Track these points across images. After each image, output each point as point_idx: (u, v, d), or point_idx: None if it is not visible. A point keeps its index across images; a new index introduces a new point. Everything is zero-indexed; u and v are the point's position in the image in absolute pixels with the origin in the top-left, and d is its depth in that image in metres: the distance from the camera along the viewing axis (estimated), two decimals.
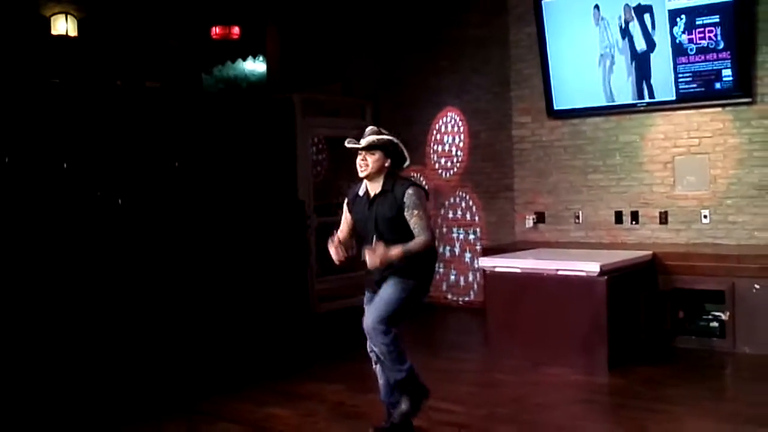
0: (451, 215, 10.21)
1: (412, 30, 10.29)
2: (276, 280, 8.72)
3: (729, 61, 7.46)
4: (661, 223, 8.15)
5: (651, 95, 8.03)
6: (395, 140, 4.79)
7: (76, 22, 9.14)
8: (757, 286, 6.93)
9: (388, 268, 4.71)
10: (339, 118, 10.46)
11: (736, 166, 7.73)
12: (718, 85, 7.59)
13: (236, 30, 9.64)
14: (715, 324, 7.20)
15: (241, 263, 8.31)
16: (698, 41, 7.60)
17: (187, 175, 7.94)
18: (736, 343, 7.06)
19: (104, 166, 7.23)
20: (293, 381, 6.63)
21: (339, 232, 5.02)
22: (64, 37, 8.91)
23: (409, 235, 4.69)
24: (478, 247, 9.79)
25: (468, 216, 10.05)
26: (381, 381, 5.04)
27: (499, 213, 9.67)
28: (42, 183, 6.73)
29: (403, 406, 4.81)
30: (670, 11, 7.69)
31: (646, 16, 7.88)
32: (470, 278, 10.02)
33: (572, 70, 8.49)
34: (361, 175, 4.77)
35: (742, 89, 7.49)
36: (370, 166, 4.73)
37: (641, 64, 8.02)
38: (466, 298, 10.03)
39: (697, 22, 7.56)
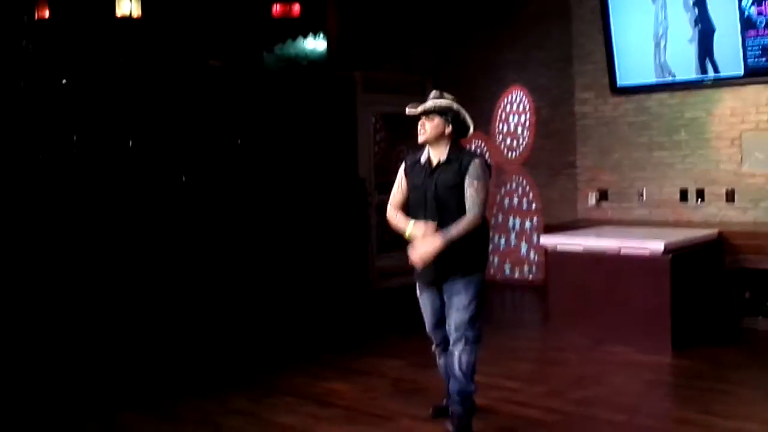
0: (513, 191, 10.13)
1: (472, 5, 10.18)
2: (337, 257, 8.81)
3: None
4: (727, 201, 7.96)
5: (717, 70, 7.82)
6: (455, 106, 4.55)
7: (140, 2, 9.25)
8: None
9: (444, 265, 4.46)
10: (399, 96, 10.39)
11: None
12: None
13: (296, 8, 9.66)
14: None
15: (303, 240, 8.41)
16: None
17: (249, 153, 8.03)
18: None
19: (168, 145, 7.36)
20: (353, 356, 6.67)
21: (392, 199, 4.79)
22: (128, 18, 9.03)
23: (461, 206, 4.46)
24: (535, 223, 9.70)
25: (530, 196, 9.95)
26: (443, 373, 4.94)
27: (561, 191, 9.54)
28: (108, 161, 6.87)
29: (456, 420, 4.61)
30: None
31: None
32: (531, 256, 9.93)
33: (637, 45, 8.31)
34: (420, 140, 4.57)
35: None
36: (428, 131, 4.50)
37: (708, 39, 7.81)
38: (529, 276, 9.94)
39: None
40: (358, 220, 9.28)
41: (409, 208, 4.70)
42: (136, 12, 9.11)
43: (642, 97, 8.52)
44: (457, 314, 4.53)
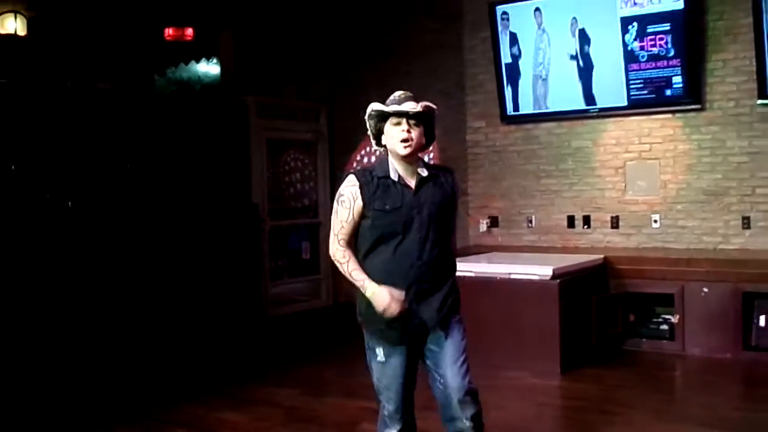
0: None
1: (368, 34, 10.25)
2: (229, 284, 8.67)
3: (679, 68, 7.57)
4: (612, 227, 8.24)
5: (603, 101, 8.12)
6: (436, 109, 3.68)
7: (25, 21, 8.96)
8: (705, 290, 7.04)
9: (437, 301, 3.61)
10: (294, 122, 10.40)
11: (685, 171, 7.84)
12: (668, 92, 7.70)
13: (189, 31, 9.54)
14: (665, 327, 7.31)
15: (194, 267, 8.24)
16: (649, 48, 7.70)
17: (139, 178, 7.84)
18: (686, 346, 7.16)
19: (54, 169, 7.10)
20: (246, 385, 6.56)
21: (339, 230, 3.59)
22: (13, 36, 8.73)
23: (447, 233, 3.69)
24: None
25: None
26: None
27: None
28: None
29: None
30: (622, 18, 7.77)
31: (599, 23, 7.96)
32: None
33: (525, 76, 8.53)
34: (406, 152, 3.48)
35: (692, 96, 7.61)
36: (415, 140, 3.50)
37: (594, 71, 8.11)
38: None
39: (648, 30, 7.66)
40: (251, 246, 9.17)
41: (373, 240, 3.57)
42: (22, 30, 8.82)
43: (531, 126, 8.74)
44: (458, 364, 3.65)
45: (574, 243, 8.47)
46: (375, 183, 3.55)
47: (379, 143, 3.64)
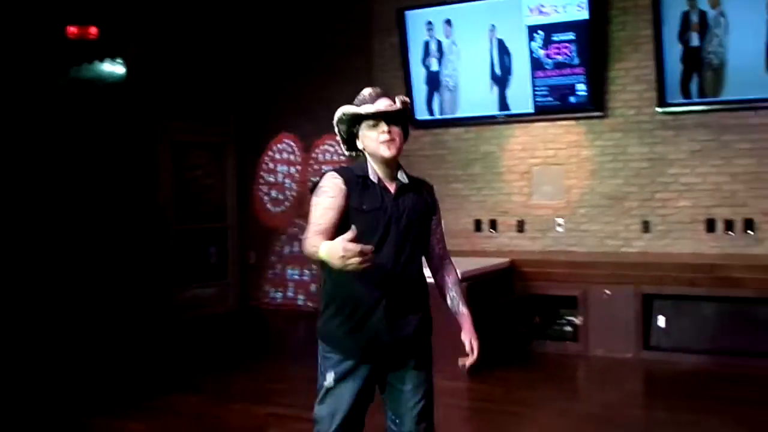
0: None
1: (277, 36, 10.15)
2: (135, 289, 8.46)
3: (583, 76, 7.76)
4: (518, 231, 8.37)
5: (510, 107, 8.25)
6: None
7: None
8: (607, 292, 7.22)
9: (413, 324, 3.26)
10: (201, 125, 10.22)
11: (588, 176, 8.04)
12: (572, 99, 7.87)
13: (93, 30, 9.26)
14: (569, 328, 7.46)
15: (98, 271, 8.03)
16: (554, 56, 7.86)
17: (41, 178, 7.58)
18: (589, 346, 7.32)
19: None
20: (151, 393, 6.36)
21: (315, 226, 2.98)
22: None
23: (423, 248, 3.36)
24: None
25: None
26: None
27: None
28: None
29: None
30: (528, 26, 7.92)
31: (506, 31, 8.09)
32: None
33: (434, 81, 8.60)
34: (390, 154, 3.09)
35: (595, 103, 7.80)
36: (398, 140, 3.12)
37: (501, 77, 8.23)
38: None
39: (554, 38, 7.82)
40: (157, 250, 8.98)
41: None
42: None
43: (439, 131, 8.81)
44: (418, 408, 3.29)
45: (482, 247, 8.57)
46: (354, 180, 3.13)
47: (351, 148, 3.23)
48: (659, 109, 7.58)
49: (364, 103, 3.14)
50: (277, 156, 10.25)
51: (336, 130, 3.24)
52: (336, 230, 2.95)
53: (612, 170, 7.93)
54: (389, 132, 3.08)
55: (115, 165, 8.50)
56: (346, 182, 3.09)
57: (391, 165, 3.17)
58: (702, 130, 7.51)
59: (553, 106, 7.99)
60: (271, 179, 10.34)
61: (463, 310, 3.43)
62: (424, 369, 3.33)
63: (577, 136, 8.09)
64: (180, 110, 9.73)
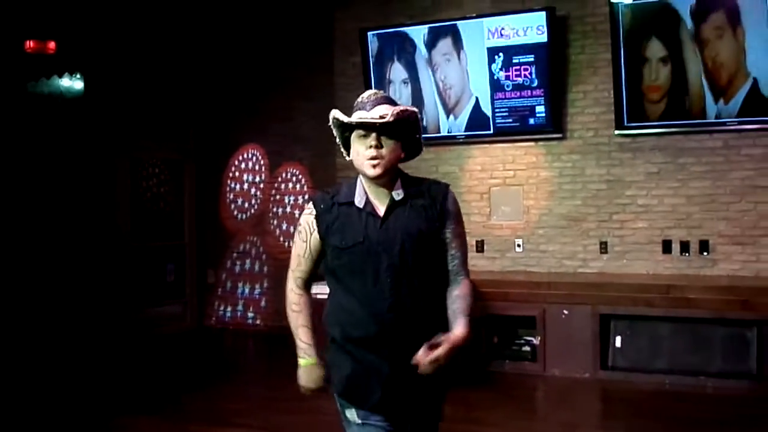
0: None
1: (240, 54, 10.12)
2: (89, 307, 8.32)
3: (542, 98, 7.83)
4: (477, 251, 8.37)
5: (469, 128, 8.30)
6: (418, 113, 2.84)
7: None
8: (565, 312, 7.25)
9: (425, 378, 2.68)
10: (161, 142, 10.11)
11: (547, 197, 8.10)
12: (531, 121, 7.94)
13: (52, 45, 9.13)
14: (527, 348, 7.48)
15: (51, 289, 7.88)
16: (514, 78, 7.93)
17: None
18: (547, 366, 7.34)
19: None
20: (107, 414, 6.21)
21: (295, 267, 2.90)
22: None
23: (438, 272, 2.79)
24: None
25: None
26: None
27: None
28: None
29: None
30: (488, 49, 7.98)
31: (467, 52, 8.15)
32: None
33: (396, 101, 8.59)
34: (374, 173, 2.69)
35: (554, 125, 7.87)
36: (386, 157, 2.69)
37: (461, 98, 8.28)
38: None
39: (514, 61, 7.89)
40: (114, 269, 8.85)
41: (336, 278, 2.84)
42: None
43: None
44: None
45: None
46: (335, 211, 2.76)
47: (350, 153, 2.84)
48: (617, 132, 7.67)
49: (361, 108, 2.75)
50: (242, 165, 10.23)
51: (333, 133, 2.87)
52: (315, 269, 2.86)
53: (570, 191, 8.00)
54: (377, 147, 2.66)
55: (72, 181, 8.37)
56: (319, 216, 2.77)
57: (383, 183, 2.75)
58: (659, 153, 7.62)
59: (513, 127, 8.04)
60: (237, 187, 10.31)
61: (459, 318, 2.72)
62: (436, 406, 2.98)
63: (536, 157, 8.15)
64: (139, 127, 9.63)
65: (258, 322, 9.98)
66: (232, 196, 10.30)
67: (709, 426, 5.72)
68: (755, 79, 7.03)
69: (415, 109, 2.78)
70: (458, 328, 2.68)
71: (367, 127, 2.68)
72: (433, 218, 2.76)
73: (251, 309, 10.09)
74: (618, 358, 7.17)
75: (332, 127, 2.82)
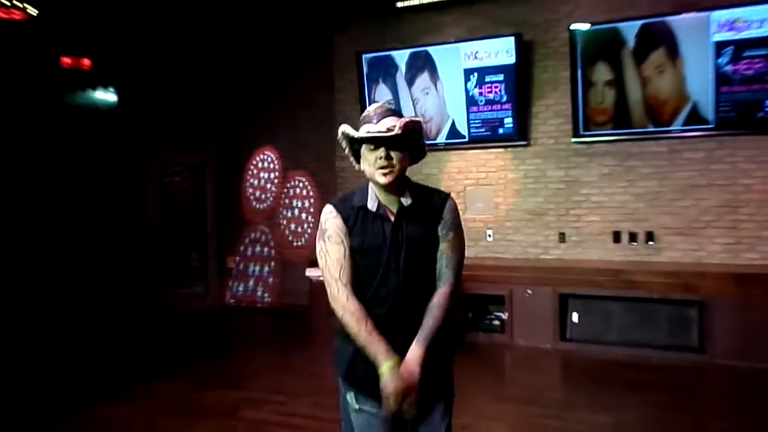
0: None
1: (252, 72, 9.99)
2: (126, 289, 8.21)
3: (510, 111, 7.72)
4: None
5: (449, 137, 8.17)
6: (422, 121, 2.60)
7: None
8: (529, 292, 7.15)
9: (424, 395, 2.50)
10: (185, 147, 9.97)
11: (514, 195, 7.98)
12: (501, 131, 7.83)
13: (86, 61, 8.93)
14: (497, 322, 7.38)
15: (94, 275, 7.76)
16: (486, 94, 7.81)
17: (41, 196, 7.29)
18: (514, 337, 7.24)
19: None
20: (133, 381, 6.08)
21: (341, 274, 2.55)
22: None
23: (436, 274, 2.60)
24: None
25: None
26: None
27: None
28: None
29: None
30: (465, 69, 7.87)
31: (447, 73, 8.02)
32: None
33: None
34: (385, 181, 2.49)
35: (520, 134, 7.76)
36: (396, 166, 2.50)
37: (441, 124, 8.15)
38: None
39: (486, 79, 7.78)
40: (146, 256, 8.71)
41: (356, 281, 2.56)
42: None
43: None
44: None
45: None
46: (354, 214, 2.56)
47: (360, 163, 2.63)
48: (574, 139, 7.56)
49: (368, 122, 2.53)
50: (260, 165, 10.07)
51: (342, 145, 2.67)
52: (355, 270, 2.53)
53: (533, 190, 7.88)
54: (387, 158, 2.46)
55: (109, 182, 8.24)
56: (345, 220, 2.54)
57: (392, 190, 2.54)
58: (610, 157, 7.51)
59: (485, 136, 7.93)
60: (255, 183, 10.10)
61: (415, 343, 2.47)
62: (441, 417, 2.69)
63: (505, 161, 8.04)
64: (166, 135, 9.51)
65: (267, 299, 9.84)
66: (251, 190, 10.13)
67: (655, 389, 5.63)
68: (695, 103, 6.92)
69: (420, 119, 2.57)
70: (409, 359, 2.45)
71: (376, 141, 2.49)
72: (433, 224, 2.58)
73: (260, 285, 9.95)
74: (575, 331, 7.07)
75: (341, 140, 2.63)
